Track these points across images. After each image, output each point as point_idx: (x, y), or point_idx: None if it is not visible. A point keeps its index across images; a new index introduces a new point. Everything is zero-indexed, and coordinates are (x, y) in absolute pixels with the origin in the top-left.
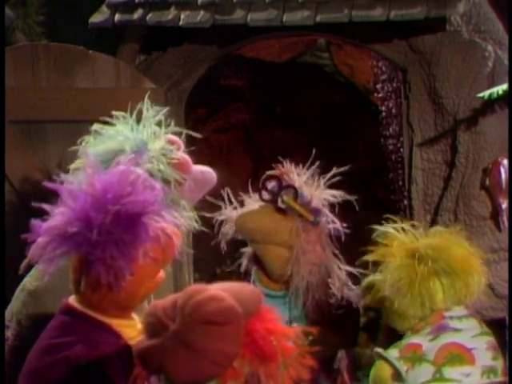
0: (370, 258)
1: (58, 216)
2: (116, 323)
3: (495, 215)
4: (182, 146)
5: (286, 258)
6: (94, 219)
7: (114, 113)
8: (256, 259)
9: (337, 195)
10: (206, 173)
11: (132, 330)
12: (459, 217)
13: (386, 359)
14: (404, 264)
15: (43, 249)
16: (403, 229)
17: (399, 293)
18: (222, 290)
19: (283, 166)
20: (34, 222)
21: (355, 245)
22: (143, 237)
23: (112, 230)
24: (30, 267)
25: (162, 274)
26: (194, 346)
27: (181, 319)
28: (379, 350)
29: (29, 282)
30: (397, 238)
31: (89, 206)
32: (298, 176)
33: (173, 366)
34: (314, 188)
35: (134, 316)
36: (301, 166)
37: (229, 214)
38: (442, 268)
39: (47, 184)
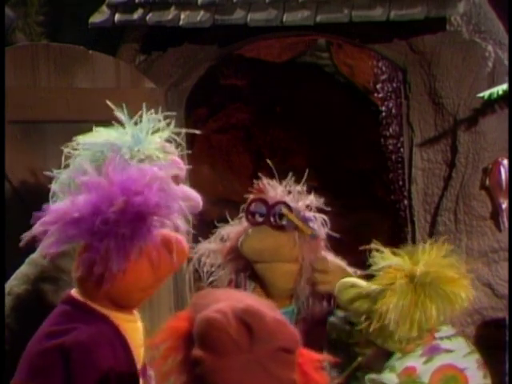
0: (374, 284)
1: (69, 202)
2: (114, 315)
3: (495, 215)
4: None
5: (293, 272)
6: (101, 208)
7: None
8: (256, 281)
9: (318, 200)
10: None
11: (131, 324)
12: (459, 217)
13: None
14: (404, 290)
15: (47, 226)
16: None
17: (401, 319)
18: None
19: (259, 185)
20: (46, 205)
21: (355, 244)
22: (143, 236)
23: (116, 223)
24: (28, 250)
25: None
26: (275, 372)
27: (260, 345)
28: (374, 376)
29: (15, 285)
30: (396, 262)
31: (100, 196)
32: (275, 190)
33: None
34: (296, 198)
35: (135, 312)
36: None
37: (209, 246)
38: (437, 293)
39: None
